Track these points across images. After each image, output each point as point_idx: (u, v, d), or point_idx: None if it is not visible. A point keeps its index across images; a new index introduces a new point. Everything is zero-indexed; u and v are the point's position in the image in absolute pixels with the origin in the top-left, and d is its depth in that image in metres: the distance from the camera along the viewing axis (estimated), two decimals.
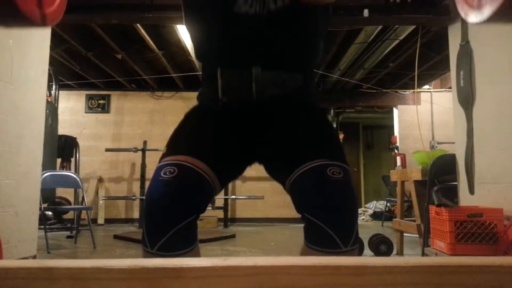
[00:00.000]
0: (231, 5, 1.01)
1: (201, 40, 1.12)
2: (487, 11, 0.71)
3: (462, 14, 0.86)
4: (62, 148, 5.02)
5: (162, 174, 0.93)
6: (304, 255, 0.94)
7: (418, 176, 3.17)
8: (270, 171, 1.10)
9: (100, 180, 6.24)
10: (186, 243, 0.93)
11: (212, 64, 1.09)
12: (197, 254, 0.97)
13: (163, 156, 1.00)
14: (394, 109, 6.70)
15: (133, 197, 6.02)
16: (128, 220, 6.17)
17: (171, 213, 0.89)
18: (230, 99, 1.04)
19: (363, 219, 7.01)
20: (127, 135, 6.38)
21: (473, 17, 0.80)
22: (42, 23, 0.87)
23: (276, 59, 1.04)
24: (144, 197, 6.02)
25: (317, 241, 0.90)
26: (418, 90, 6.29)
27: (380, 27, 4.09)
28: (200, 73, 1.17)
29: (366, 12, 3.18)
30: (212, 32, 1.07)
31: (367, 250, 3.41)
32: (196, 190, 0.93)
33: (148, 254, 0.91)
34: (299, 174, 0.95)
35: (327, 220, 0.88)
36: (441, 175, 3.05)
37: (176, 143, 1.03)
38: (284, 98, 1.05)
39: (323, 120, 1.12)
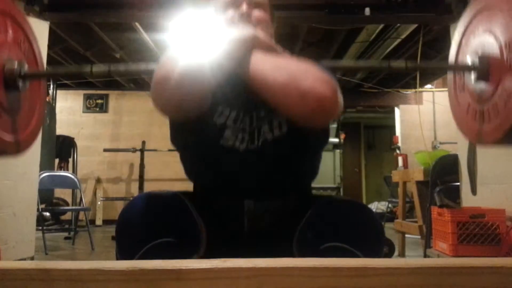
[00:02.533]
0: (217, 137, 0.94)
1: (190, 169, 1.05)
2: (494, 134, 0.78)
3: (466, 136, 0.92)
4: (59, 148, 5.00)
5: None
6: None
7: (420, 177, 3.15)
8: None
9: (98, 180, 6.21)
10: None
11: (201, 190, 1.02)
12: None
13: None
14: (396, 109, 6.68)
15: (131, 198, 5.98)
16: None
17: (147, 227, 0.86)
18: (219, 231, 0.94)
19: None
20: (126, 135, 6.35)
21: (478, 141, 0.87)
22: (18, 151, 0.83)
23: (270, 190, 0.96)
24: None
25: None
26: (420, 89, 6.25)
27: (382, 25, 4.06)
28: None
29: (367, 11, 3.16)
30: (199, 163, 1.01)
31: None
32: (178, 215, 0.89)
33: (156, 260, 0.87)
34: (303, 227, 0.89)
35: (358, 246, 0.83)
36: (443, 175, 3.02)
37: None
38: (277, 222, 0.96)
39: None
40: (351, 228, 0.86)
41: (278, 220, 0.95)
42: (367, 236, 0.86)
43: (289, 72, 0.84)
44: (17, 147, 0.84)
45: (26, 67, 0.84)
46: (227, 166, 0.95)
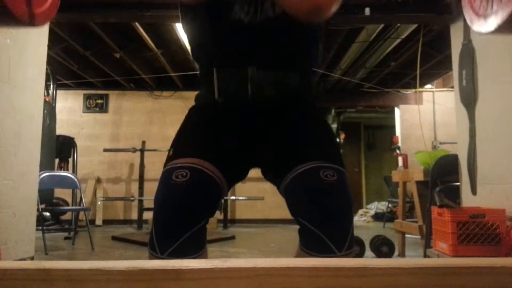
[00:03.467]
0: (227, 11, 1.00)
1: (197, 42, 1.12)
2: (494, 21, 0.73)
3: (468, 20, 0.86)
4: (60, 149, 5.00)
5: (173, 177, 0.91)
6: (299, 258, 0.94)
7: (420, 177, 3.15)
8: (265, 173, 1.09)
9: (98, 180, 6.21)
10: (197, 248, 0.92)
11: (208, 65, 1.08)
12: (206, 258, 0.96)
13: (170, 159, 0.98)
14: (396, 109, 6.68)
15: (131, 198, 5.99)
16: (126, 221, 6.13)
17: (184, 218, 0.87)
18: (226, 99, 1.04)
19: (364, 220, 6.98)
20: (126, 135, 6.35)
21: (478, 26, 0.81)
22: (31, 23, 0.84)
23: (271, 60, 1.03)
24: (142, 198, 5.98)
25: (312, 246, 0.90)
26: (420, 89, 6.26)
27: (382, 25, 4.06)
28: (199, 72, 1.18)
29: (367, 11, 3.16)
30: (208, 36, 1.07)
31: (368, 252, 3.38)
32: (208, 194, 0.92)
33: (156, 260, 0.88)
34: (292, 178, 0.94)
35: (321, 226, 0.87)
36: (443, 175, 3.03)
37: (182, 145, 1.02)
38: (280, 98, 1.04)
39: (319, 121, 1.10)
40: (321, 208, 0.89)
41: (279, 92, 1.02)
42: (335, 224, 0.89)
43: None
44: (32, 19, 0.84)
45: None
46: (233, 37, 1.02)
